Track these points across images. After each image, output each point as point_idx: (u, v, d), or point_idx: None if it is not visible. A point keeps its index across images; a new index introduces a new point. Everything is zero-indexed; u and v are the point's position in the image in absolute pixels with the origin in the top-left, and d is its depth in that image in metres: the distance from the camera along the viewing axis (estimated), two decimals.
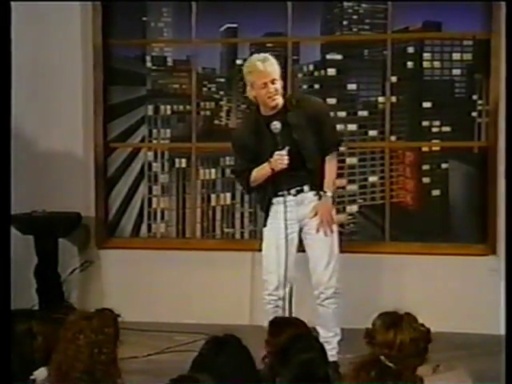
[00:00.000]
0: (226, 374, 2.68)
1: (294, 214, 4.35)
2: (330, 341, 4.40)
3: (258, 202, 4.67)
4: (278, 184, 4.34)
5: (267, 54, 4.37)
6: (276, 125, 4.25)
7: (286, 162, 4.24)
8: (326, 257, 4.37)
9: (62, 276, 5.70)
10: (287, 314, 4.37)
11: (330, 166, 4.41)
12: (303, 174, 4.34)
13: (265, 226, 4.48)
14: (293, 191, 4.35)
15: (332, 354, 4.29)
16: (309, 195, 4.38)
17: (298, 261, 4.47)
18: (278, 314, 4.28)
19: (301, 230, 4.42)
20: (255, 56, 4.39)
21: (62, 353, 2.78)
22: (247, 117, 4.73)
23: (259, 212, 5.73)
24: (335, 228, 4.44)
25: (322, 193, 4.38)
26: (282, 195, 4.34)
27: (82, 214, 5.74)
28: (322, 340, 4.37)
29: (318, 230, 4.36)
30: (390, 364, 2.47)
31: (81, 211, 5.74)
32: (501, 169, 5.34)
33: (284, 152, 4.24)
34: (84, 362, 2.75)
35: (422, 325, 2.91)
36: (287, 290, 4.41)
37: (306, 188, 4.37)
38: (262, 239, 5.69)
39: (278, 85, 4.29)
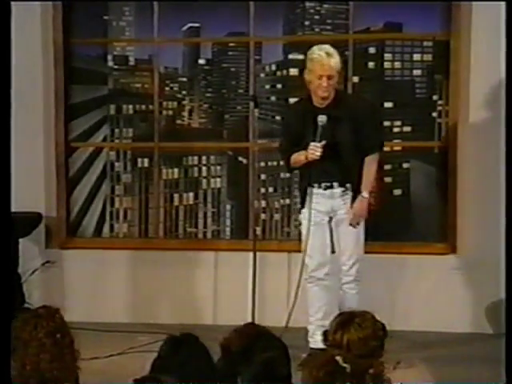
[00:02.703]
0: (186, 373, 2.68)
1: (323, 206, 4.64)
2: None
3: (298, 188, 4.99)
4: (313, 175, 4.61)
5: (333, 49, 4.56)
6: (322, 118, 4.50)
7: (318, 154, 4.49)
8: (350, 248, 4.67)
9: (23, 277, 5.64)
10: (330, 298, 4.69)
11: (369, 167, 4.64)
12: (336, 170, 4.58)
13: (299, 213, 4.81)
14: (323, 185, 4.63)
15: None
16: (338, 191, 4.63)
17: None
18: (319, 294, 4.68)
19: (331, 219, 4.67)
20: (325, 47, 4.56)
21: (21, 355, 2.77)
22: (299, 101, 4.90)
23: (222, 211, 5.78)
24: (362, 224, 4.70)
25: (359, 194, 4.63)
26: (314, 186, 4.63)
27: (43, 213, 5.69)
28: None
29: (350, 225, 4.64)
30: (345, 365, 2.47)
31: (42, 211, 5.69)
32: (460, 168, 5.41)
33: (319, 144, 4.48)
34: (51, 351, 2.76)
35: (376, 323, 2.89)
36: (327, 269, 4.69)
37: (335, 184, 4.63)
38: (225, 239, 5.79)
39: (333, 81, 4.52)
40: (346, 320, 2.84)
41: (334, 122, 4.53)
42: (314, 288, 4.72)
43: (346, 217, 4.64)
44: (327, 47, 4.56)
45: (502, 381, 3.10)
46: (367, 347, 2.74)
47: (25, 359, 2.79)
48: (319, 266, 4.68)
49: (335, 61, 4.51)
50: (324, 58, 4.48)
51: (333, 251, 4.68)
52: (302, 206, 4.74)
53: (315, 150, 4.48)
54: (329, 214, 4.67)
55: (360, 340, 2.74)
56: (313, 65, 4.52)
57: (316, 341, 4.70)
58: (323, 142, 4.49)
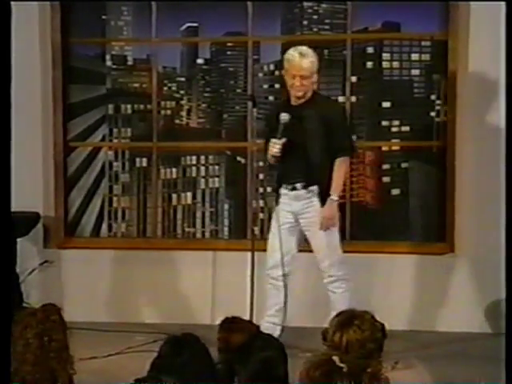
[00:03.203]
0: (186, 373, 2.68)
1: (289, 206, 4.69)
2: None
3: None
4: (281, 175, 4.72)
5: (310, 50, 4.64)
6: (285, 116, 4.58)
7: (276, 150, 4.57)
8: (323, 250, 4.65)
9: (21, 276, 5.64)
10: (282, 298, 4.73)
11: (339, 170, 4.62)
12: (301, 171, 4.61)
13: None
14: (289, 186, 4.68)
15: None
16: (301, 192, 4.64)
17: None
18: (272, 292, 4.74)
19: (297, 221, 4.71)
20: (300, 48, 4.65)
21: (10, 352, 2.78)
22: (280, 100, 5.03)
23: (220, 211, 5.78)
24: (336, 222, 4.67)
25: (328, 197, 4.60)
26: (282, 186, 4.72)
27: (41, 213, 5.69)
28: None
29: (320, 228, 4.61)
30: (342, 365, 2.46)
31: (40, 211, 5.69)
32: (458, 168, 5.41)
33: (278, 141, 4.56)
34: (34, 352, 2.75)
35: (375, 324, 2.87)
36: (281, 271, 4.72)
37: (298, 186, 4.64)
38: (223, 238, 5.78)
39: (307, 81, 4.58)
40: (345, 321, 2.83)
41: (303, 121, 4.60)
42: (268, 286, 4.77)
43: (314, 219, 4.61)
44: (302, 48, 4.65)
45: (502, 381, 3.10)
46: (365, 350, 2.74)
47: (12, 356, 2.79)
48: (276, 266, 4.71)
49: (307, 61, 4.58)
50: (296, 59, 4.57)
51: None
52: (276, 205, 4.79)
53: (273, 146, 4.56)
54: (295, 215, 4.69)
55: (358, 342, 2.73)
56: (287, 64, 4.62)
57: None
58: (283, 140, 4.55)
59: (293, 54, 4.61)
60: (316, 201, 4.63)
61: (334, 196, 4.60)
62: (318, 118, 4.58)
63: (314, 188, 4.62)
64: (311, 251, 4.78)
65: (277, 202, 4.76)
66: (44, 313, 2.87)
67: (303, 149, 4.59)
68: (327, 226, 4.61)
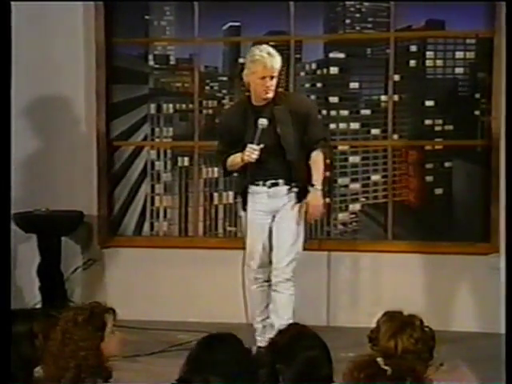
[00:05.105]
0: (223, 372, 2.67)
1: (266, 206, 4.54)
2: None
3: (235, 187, 4.82)
4: (256, 174, 4.50)
5: (273, 50, 4.47)
6: (263, 121, 4.39)
7: (254, 156, 4.38)
8: (288, 246, 4.51)
9: (65, 274, 5.70)
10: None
11: (317, 160, 4.51)
12: (280, 168, 4.48)
13: (244, 210, 4.65)
14: (268, 183, 4.52)
15: None
16: (283, 189, 4.52)
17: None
18: (261, 293, 4.63)
19: (273, 218, 4.57)
20: (264, 47, 4.48)
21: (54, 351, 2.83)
22: (238, 103, 4.85)
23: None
24: (302, 224, 4.56)
25: (310, 187, 4.50)
26: (258, 185, 4.53)
27: (84, 212, 5.74)
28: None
29: (309, 220, 4.58)
30: (386, 367, 2.45)
31: (83, 210, 5.74)
32: (503, 167, 5.34)
33: (256, 147, 4.38)
34: (89, 348, 2.81)
35: (426, 331, 2.85)
36: (269, 271, 4.60)
37: (280, 182, 4.51)
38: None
39: (275, 80, 4.43)
40: (397, 328, 2.80)
41: (275, 120, 4.43)
42: (259, 289, 4.66)
43: (291, 215, 4.50)
44: (267, 47, 4.48)
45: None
46: (419, 358, 2.72)
47: (63, 354, 2.83)
48: (263, 267, 4.61)
49: (277, 60, 4.43)
50: (266, 59, 4.39)
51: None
52: (244, 207, 4.65)
53: (251, 152, 4.38)
54: (272, 213, 4.57)
55: (413, 351, 2.72)
56: (255, 66, 4.42)
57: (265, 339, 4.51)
58: (261, 146, 4.39)
59: (261, 54, 4.42)
60: (294, 197, 4.52)
61: (318, 185, 4.48)
62: (288, 115, 4.44)
63: (294, 184, 4.51)
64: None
65: (244, 203, 4.61)
66: (93, 309, 2.92)
67: (279, 148, 4.44)
68: (315, 215, 4.53)
